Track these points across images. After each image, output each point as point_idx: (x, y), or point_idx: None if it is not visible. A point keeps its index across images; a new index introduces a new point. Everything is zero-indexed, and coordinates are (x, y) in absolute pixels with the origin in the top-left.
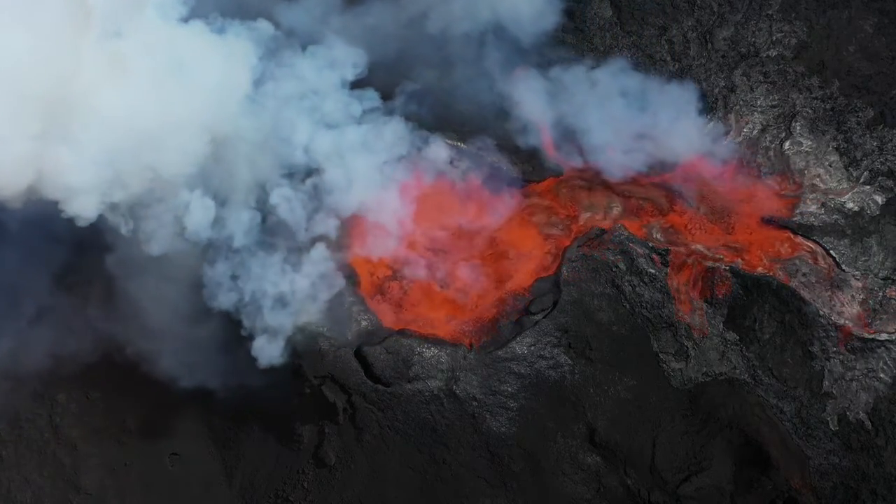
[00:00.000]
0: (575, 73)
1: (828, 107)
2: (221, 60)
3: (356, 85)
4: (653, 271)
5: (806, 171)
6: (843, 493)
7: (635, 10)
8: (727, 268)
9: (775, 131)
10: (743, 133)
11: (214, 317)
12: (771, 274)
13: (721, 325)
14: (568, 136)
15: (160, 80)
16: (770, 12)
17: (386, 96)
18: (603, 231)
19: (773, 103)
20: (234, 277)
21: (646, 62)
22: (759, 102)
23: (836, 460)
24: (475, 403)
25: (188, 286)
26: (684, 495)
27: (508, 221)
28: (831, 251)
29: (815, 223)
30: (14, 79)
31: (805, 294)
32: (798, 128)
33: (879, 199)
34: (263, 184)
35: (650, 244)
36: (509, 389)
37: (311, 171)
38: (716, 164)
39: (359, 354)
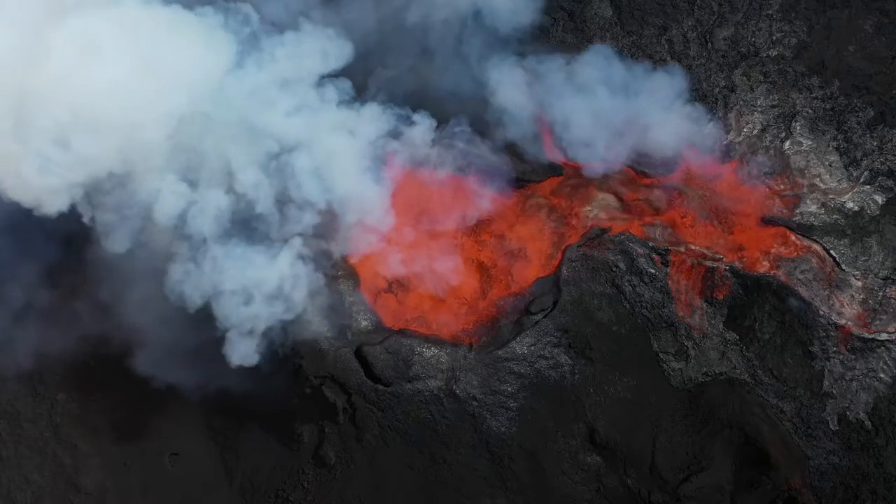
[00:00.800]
0: (552, 63)
1: (828, 107)
2: (200, 42)
3: (332, 76)
4: (653, 271)
5: (806, 171)
6: (843, 493)
7: (635, 10)
8: (727, 268)
9: (775, 131)
10: (743, 133)
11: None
12: (771, 274)
13: (721, 325)
14: (564, 131)
15: (136, 64)
16: (770, 12)
17: (360, 89)
18: (603, 231)
19: (773, 103)
20: (199, 269)
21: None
22: (759, 102)
23: (836, 460)
24: (475, 403)
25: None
26: (684, 495)
27: (508, 221)
28: (831, 251)
29: (815, 223)
30: None
31: (805, 294)
32: (798, 127)
33: (879, 198)
34: (234, 170)
35: (650, 244)
36: (509, 389)
37: (283, 156)
38: (715, 163)
39: (359, 354)
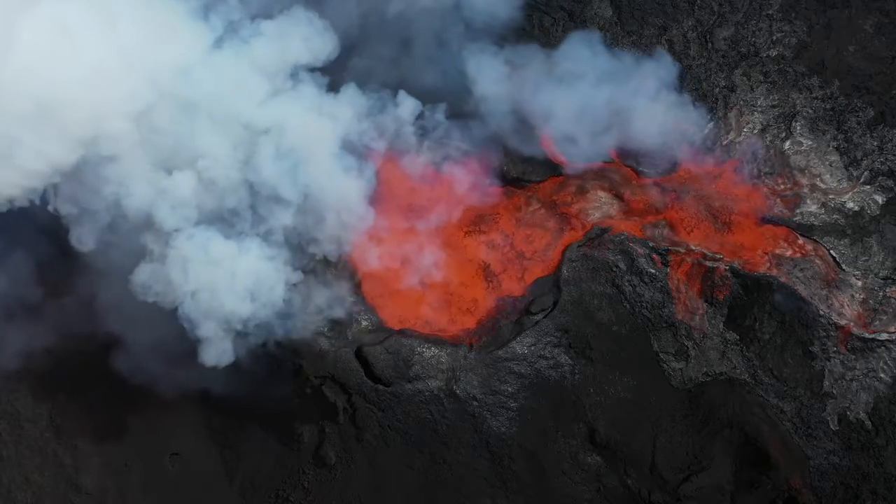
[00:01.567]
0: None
1: (828, 106)
2: (177, 28)
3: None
4: (653, 271)
5: (806, 171)
6: (843, 493)
7: (635, 10)
8: (727, 268)
9: (775, 131)
10: (743, 133)
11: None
12: (771, 274)
13: (721, 325)
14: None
15: (109, 49)
16: (770, 12)
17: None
18: (603, 231)
19: (774, 103)
20: (165, 263)
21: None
22: (759, 102)
23: (836, 460)
24: (475, 403)
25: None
26: (684, 495)
27: (508, 221)
28: (831, 251)
29: (815, 223)
30: None
31: (805, 293)
32: (798, 127)
33: (879, 198)
34: (206, 157)
35: (650, 244)
36: (509, 389)
37: (259, 142)
38: (715, 163)
39: (359, 354)
